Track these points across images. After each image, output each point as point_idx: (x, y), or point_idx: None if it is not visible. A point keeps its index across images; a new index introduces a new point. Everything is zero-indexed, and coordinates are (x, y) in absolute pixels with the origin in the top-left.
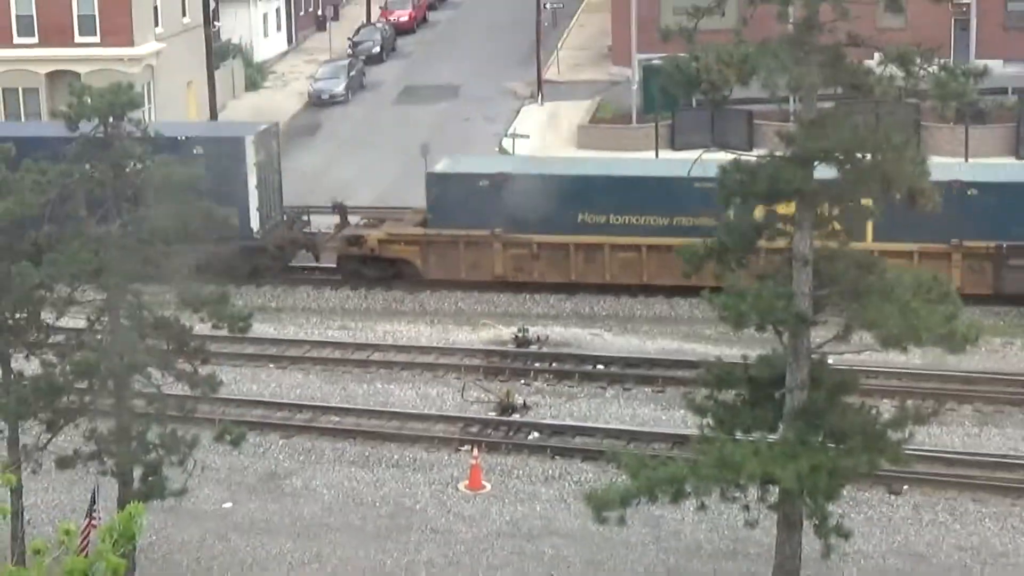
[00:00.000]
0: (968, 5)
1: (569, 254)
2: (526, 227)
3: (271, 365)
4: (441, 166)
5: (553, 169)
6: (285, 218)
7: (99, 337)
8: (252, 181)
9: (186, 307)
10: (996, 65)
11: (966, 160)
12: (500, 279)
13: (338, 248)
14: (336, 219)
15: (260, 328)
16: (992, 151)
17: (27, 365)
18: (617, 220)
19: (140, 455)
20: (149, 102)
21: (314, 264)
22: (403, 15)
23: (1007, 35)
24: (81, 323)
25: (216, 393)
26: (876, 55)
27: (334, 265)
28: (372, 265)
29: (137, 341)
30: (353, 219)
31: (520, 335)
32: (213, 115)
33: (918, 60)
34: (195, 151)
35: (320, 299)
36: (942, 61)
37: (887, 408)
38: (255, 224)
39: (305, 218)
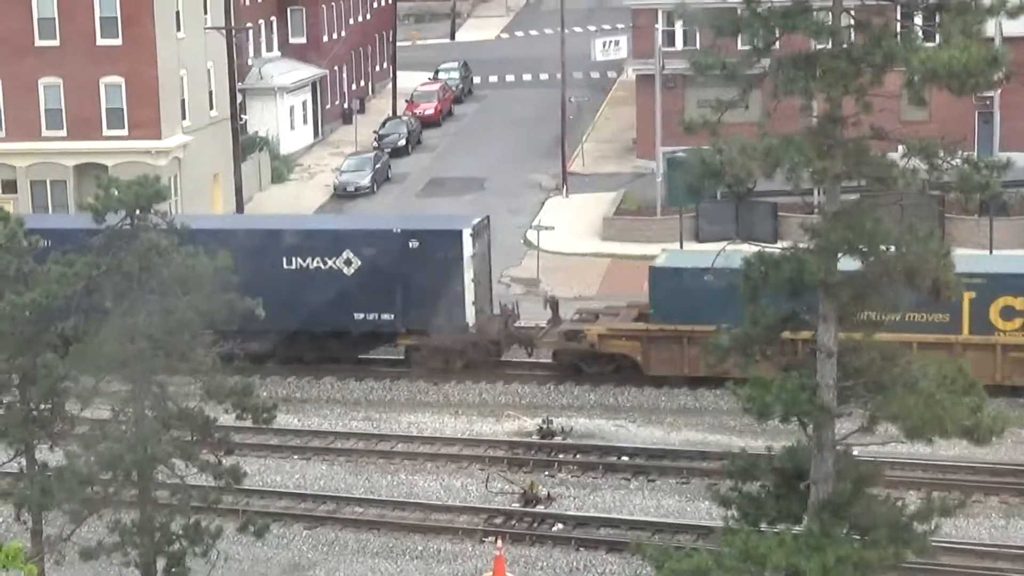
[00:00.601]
0: (991, 98)
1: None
2: None
3: (295, 456)
4: (662, 260)
5: None
6: (498, 312)
7: (123, 428)
8: (468, 275)
9: (210, 398)
10: (1019, 158)
11: (991, 252)
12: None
13: (555, 343)
14: (548, 313)
15: (284, 419)
16: (1016, 243)
17: (51, 456)
18: None
19: (163, 546)
20: (176, 194)
21: (528, 359)
22: (429, 108)
23: None
24: (106, 414)
25: (240, 484)
26: (900, 148)
27: (549, 360)
28: (591, 361)
29: (161, 432)
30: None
31: (544, 426)
32: (240, 208)
33: (941, 153)
34: (410, 244)
35: (344, 390)
36: (965, 154)
37: (913, 500)
38: (470, 318)
39: (518, 312)
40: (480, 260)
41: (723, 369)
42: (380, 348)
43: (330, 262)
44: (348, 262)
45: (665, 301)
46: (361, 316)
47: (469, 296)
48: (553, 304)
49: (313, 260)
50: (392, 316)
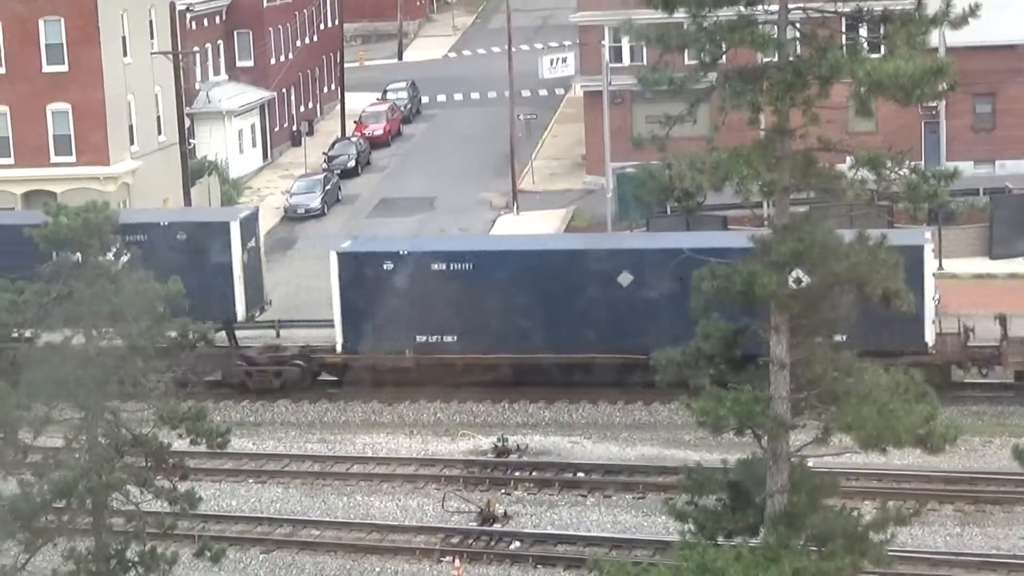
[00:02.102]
0: (937, 108)
1: None
2: None
3: (250, 480)
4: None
5: None
6: (960, 330)
7: (77, 456)
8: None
9: (164, 424)
10: (966, 167)
11: (939, 263)
12: None
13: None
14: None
15: (239, 443)
16: (965, 252)
17: (4, 486)
18: None
19: (119, 574)
20: None
21: (982, 380)
22: (377, 129)
23: (976, 137)
24: (59, 442)
25: (195, 509)
26: (848, 159)
27: (1011, 380)
28: None
29: (115, 459)
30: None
31: (500, 444)
32: None
33: (889, 163)
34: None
35: (298, 412)
36: (913, 164)
37: (869, 510)
38: (929, 337)
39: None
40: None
41: None
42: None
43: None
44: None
45: None
46: None
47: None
48: (1002, 320)
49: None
50: None
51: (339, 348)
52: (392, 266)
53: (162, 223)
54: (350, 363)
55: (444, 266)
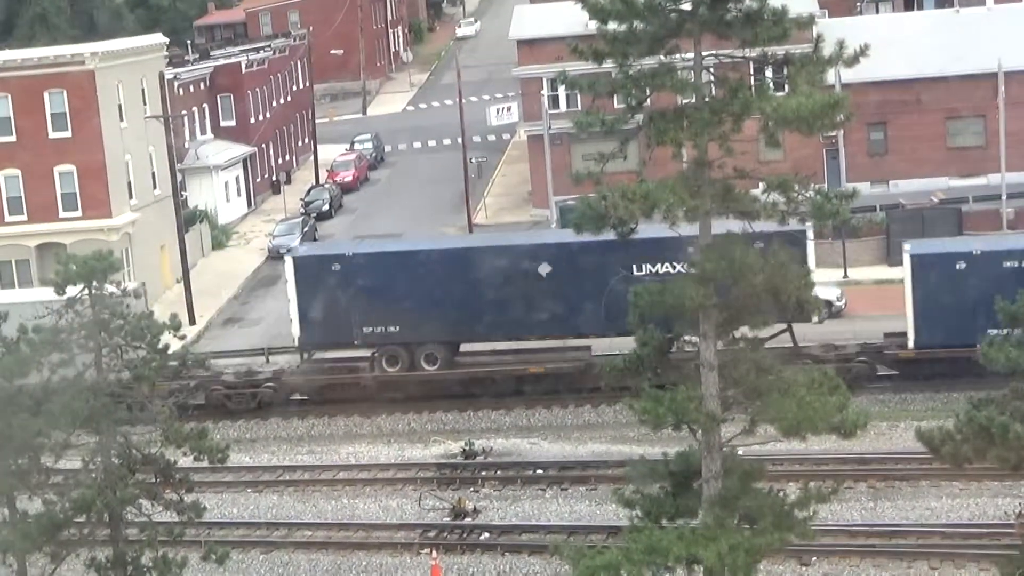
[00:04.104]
0: (836, 137)
1: None
2: None
3: (248, 490)
4: None
5: None
6: None
7: (93, 475)
8: None
9: (170, 443)
10: (864, 187)
11: (845, 271)
12: None
13: None
14: None
15: (237, 458)
16: (866, 261)
17: (31, 504)
18: None
19: None
20: (127, 265)
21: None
22: (347, 175)
23: (871, 161)
24: (77, 464)
25: (201, 518)
26: (760, 184)
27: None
28: None
29: (128, 477)
30: None
31: (467, 448)
32: (186, 273)
33: (796, 187)
34: None
35: (288, 428)
36: (817, 187)
37: (793, 491)
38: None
39: None
40: None
41: None
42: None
43: None
44: None
45: None
46: None
47: None
48: None
49: None
50: None
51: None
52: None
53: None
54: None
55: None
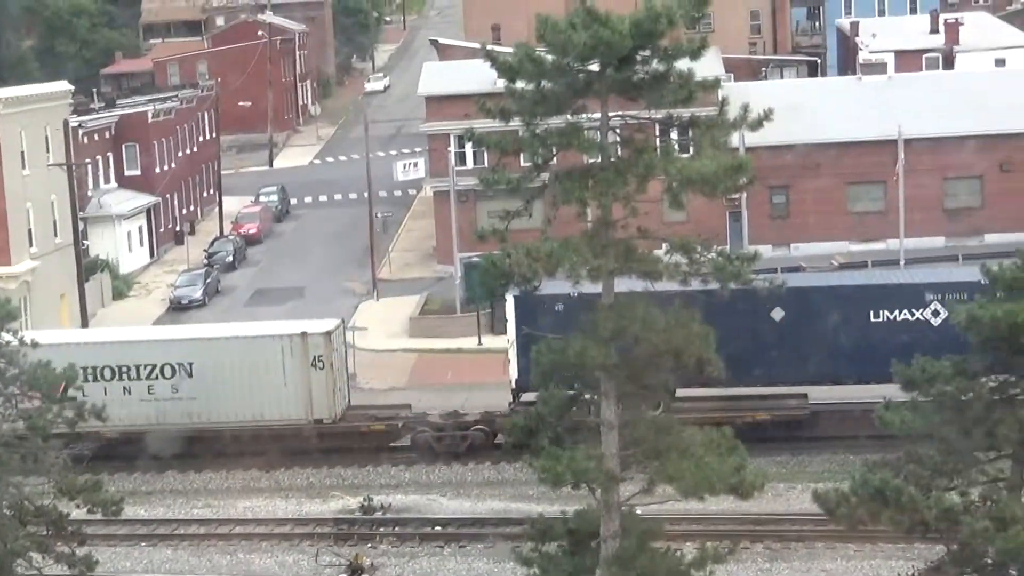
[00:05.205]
0: (739, 200)
1: None
2: None
3: (143, 543)
4: None
5: None
6: None
7: None
8: None
9: (63, 495)
10: (766, 249)
11: None
12: None
13: None
14: None
15: (132, 510)
16: None
17: None
18: None
19: None
20: (25, 313)
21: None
22: (252, 227)
23: (773, 224)
24: None
25: (93, 572)
26: (664, 245)
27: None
28: None
29: (19, 529)
30: None
31: (366, 503)
32: (84, 324)
33: (699, 248)
34: None
35: (185, 481)
36: (719, 248)
37: (690, 550)
38: None
39: None
40: None
41: None
42: None
43: None
44: None
45: None
46: None
47: None
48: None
49: None
50: None
51: None
52: None
53: None
54: None
55: None
